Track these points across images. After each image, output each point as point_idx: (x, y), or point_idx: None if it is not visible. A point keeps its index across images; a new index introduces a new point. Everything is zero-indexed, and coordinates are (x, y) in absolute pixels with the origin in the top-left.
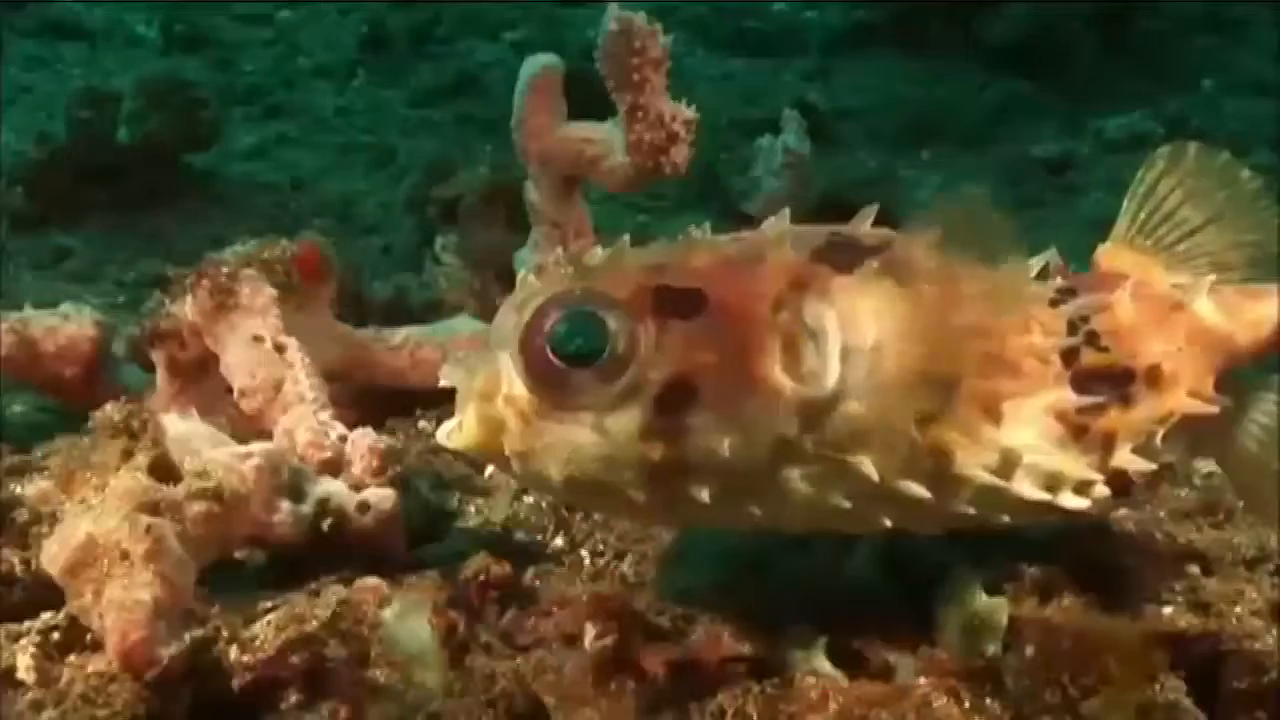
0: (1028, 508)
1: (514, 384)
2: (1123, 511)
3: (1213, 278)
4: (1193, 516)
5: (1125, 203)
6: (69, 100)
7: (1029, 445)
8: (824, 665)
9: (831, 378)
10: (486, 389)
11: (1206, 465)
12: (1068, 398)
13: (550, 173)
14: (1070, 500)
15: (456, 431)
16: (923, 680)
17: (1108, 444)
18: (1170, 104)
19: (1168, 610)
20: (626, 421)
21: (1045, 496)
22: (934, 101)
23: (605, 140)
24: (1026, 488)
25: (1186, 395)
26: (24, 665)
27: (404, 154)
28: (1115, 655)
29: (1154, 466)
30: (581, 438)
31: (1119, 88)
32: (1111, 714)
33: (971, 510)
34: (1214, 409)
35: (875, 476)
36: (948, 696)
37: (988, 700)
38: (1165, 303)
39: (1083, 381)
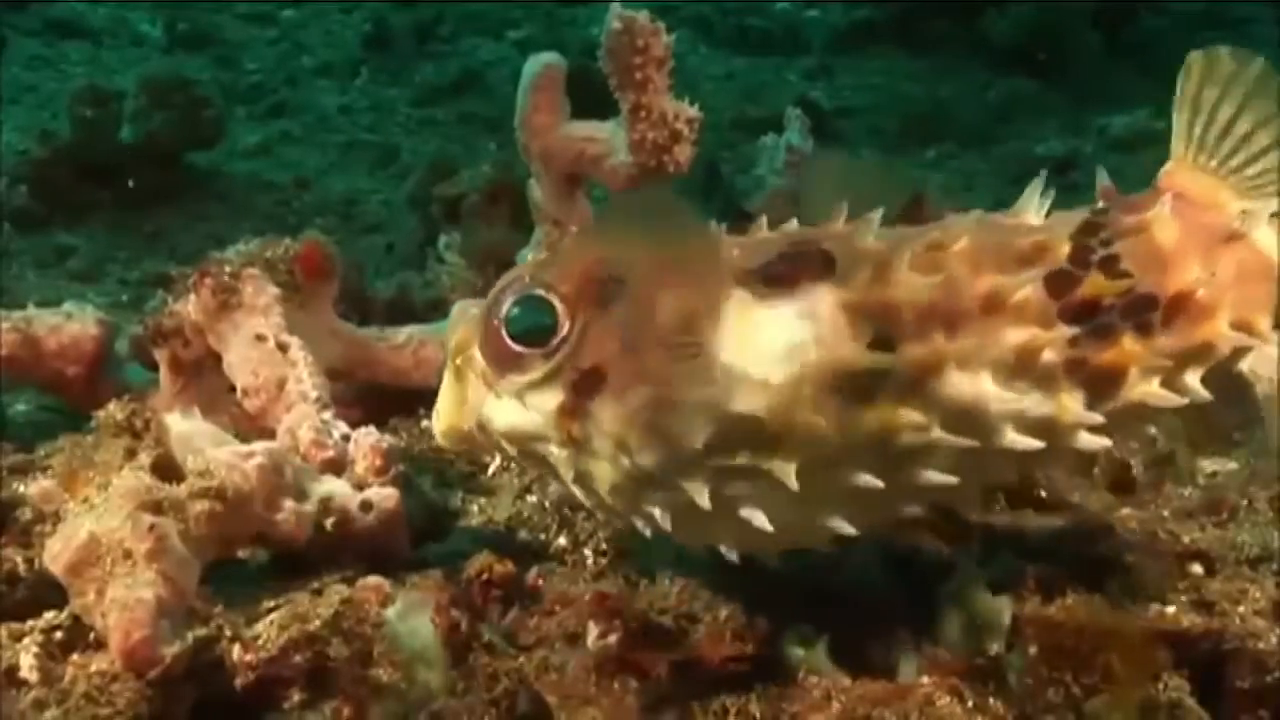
0: (1026, 460)
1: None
2: (1126, 510)
3: (1275, 204)
4: (1196, 515)
5: (1174, 115)
6: (72, 99)
7: (994, 395)
8: (826, 664)
9: (730, 378)
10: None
11: (1210, 464)
12: (1043, 333)
13: (553, 171)
14: (1085, 441)
15: (436, 418)
16: (925, 679)
17: (1116, 377)
18: (1174, 102)
19: (1171, 609)
20: (549, 397)
21: (1037, 444)
22: (937, 100)
23: (608, 139)
24: (1011, 438)
25: (1229, 328)
26: (27, 664)
27: (407, 152)
28: (1118, 654)
29: (1182, 401)
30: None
31: (1122, 86)
32: (1114, 713)
33: (953, 480)
34: (1258, 344)
35: (794, 484)
36: (950, 695)
37: (991, 699)
38: (1219, 228)
39: (1079, 311)
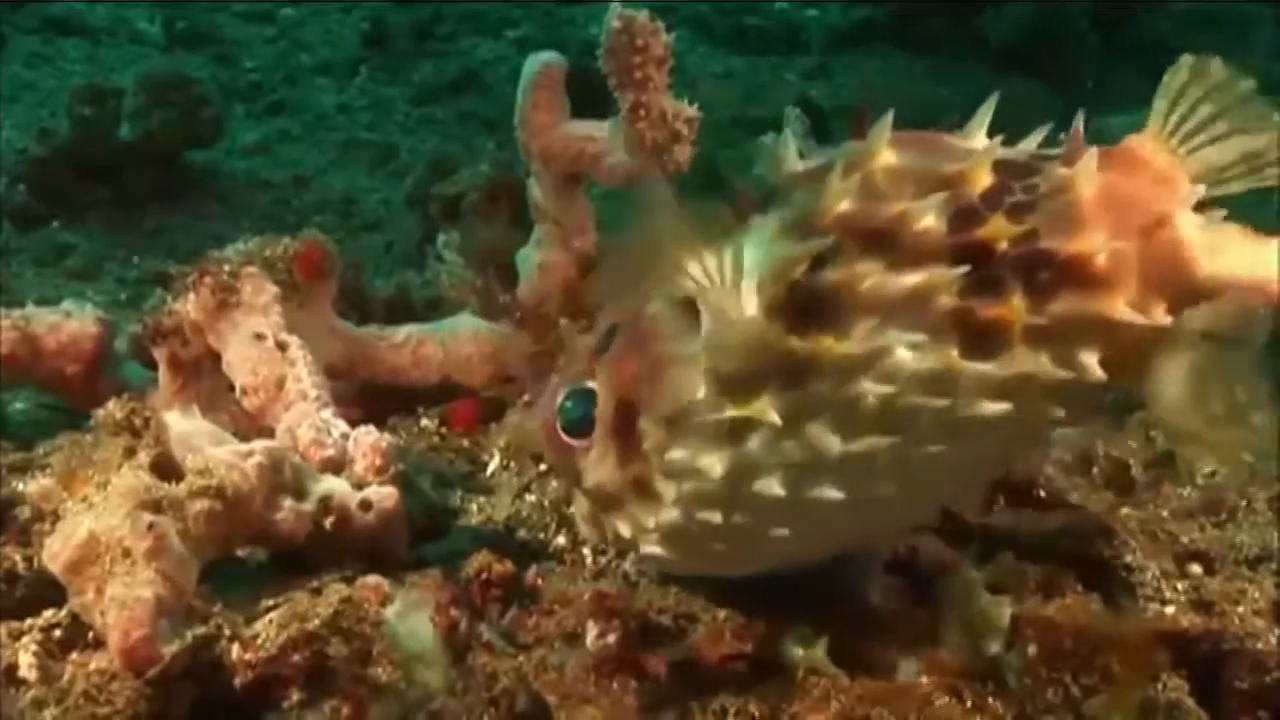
0: (951, 423)
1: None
2: (1125, 510)
3: (1202, 188)
4: (1195, 516)
5: (1155, 100)
6: (71, 97)
7: (894, 339)
8: (825, 664)
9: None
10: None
11: (1209, 464)
12: (940, 272)
13: (552, 170)
14: (979, 407)
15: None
16: (925, 679)
17: (1001, 336)
18: (1158, 88)
19: (1170, 609)
20: (609, 465)
21: (941, 403)
22: (936, 100)
23: (607, 138)
24: (918, 398)
25: (1124, 304)
26: (26, 663)
27: (406, 151)
28: (1117, 654)
29: (1066, 375)
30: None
31: (1121, 86)
32: (1113, 713)
33: (885, 439)
34: (1150, 322)
35: (776, 419)
36: (950, 695)
37: (990, 699)
38: (1148, 200)
39: (969, 252)
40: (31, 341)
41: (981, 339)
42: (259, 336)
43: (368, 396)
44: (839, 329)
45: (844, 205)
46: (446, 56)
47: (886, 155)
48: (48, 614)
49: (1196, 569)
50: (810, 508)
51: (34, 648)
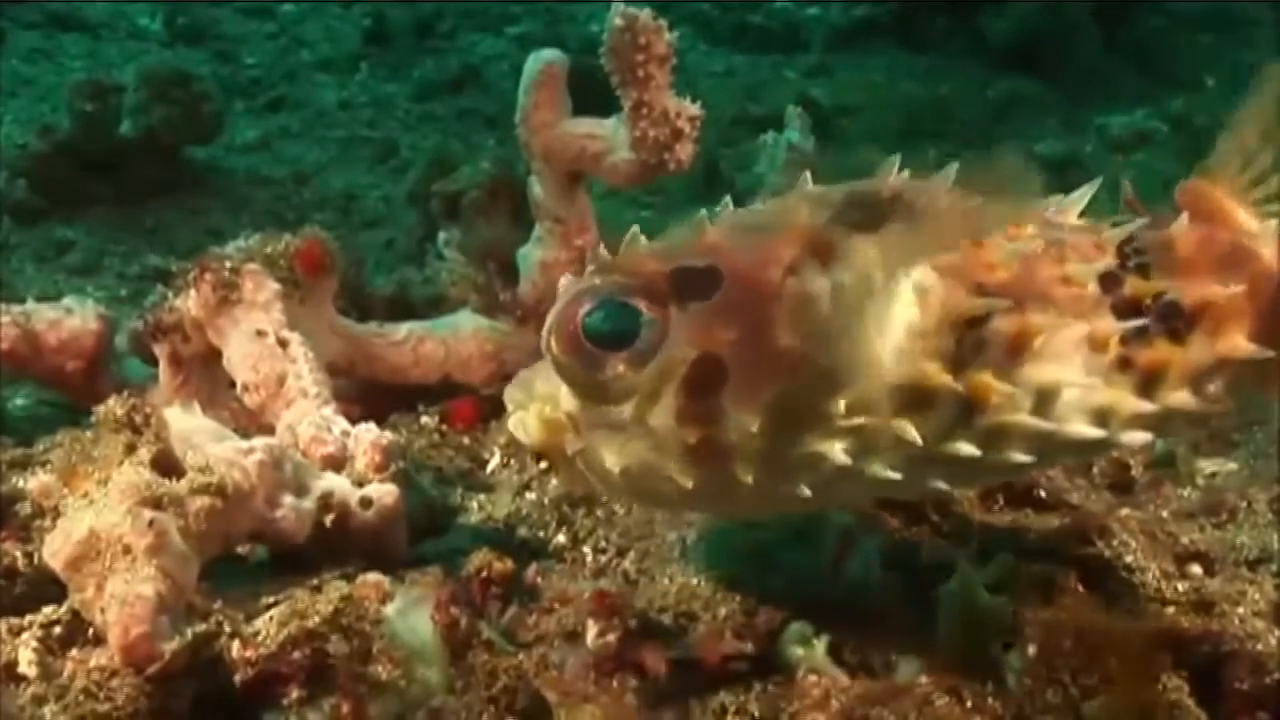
0: (1083, 447)
1: (565, 397)
2: (1125, 510)
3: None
4: (1195, 517)
5: (1222, 136)
6: (71, 92)
7: (1069, 380)
8: (825, 663)
9: (850, 340)
10: (546, 395)
11: (1210, 465)
12: (1108, 325)
13: (553, 168)
14: (1128, 436)
15: (521, 429)
16: (924, 679)
17: (1155, 379)
18: (1173, 102)
19: (1170, 610)
20: (662, 408)
21: (1100, 434)
22: (936, 99)
23: (609, 136)
24: (1078, 427)
25: (1243, 340)
26: (26, 659)
27: (406, 148)
28: (1117, 655)
29: (1217, 408)
30: (625, 431)
31: (1122, 86)
32: (1113, 714)
33: (1026, 458)
34: (1271, 353)
35: (918, 440)
36: (949, 695)
37: (989, 699)
38: (1233, 245)
39: (1124, 311)
40: (32, 338)
41: (1143, 380)
42: (260, 333)
43: (368, 394)
44: (999, 369)
45: (1010, 268)
46: (447, 53)
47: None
48: (48, 610)
49: (1196, 570)
50: (862, 481)
51: (34, 644)
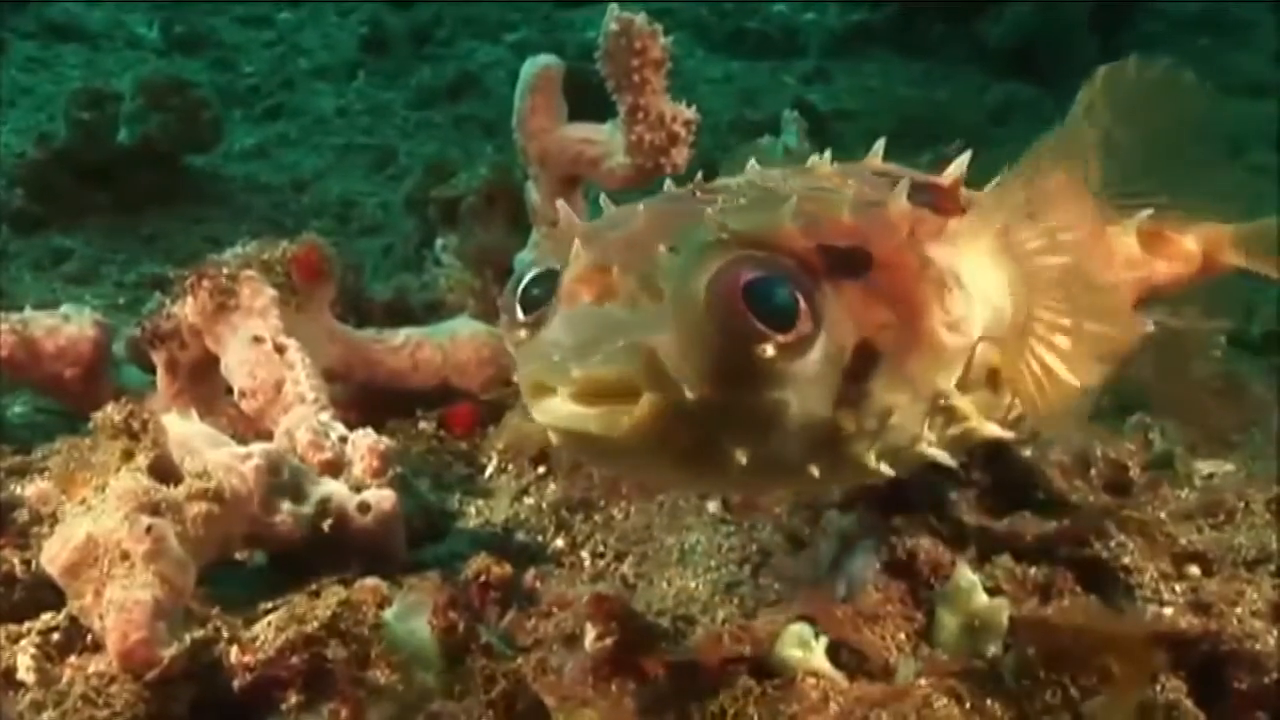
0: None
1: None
2: (1123, 511)
3: (1143, 215)
4: (1193, 517)
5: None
6: (69, 101)
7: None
8: (824, 666)
9: (978, 325)
10: (650, 366)
11: (1208, 466)
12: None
13: (550, 173)
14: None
15: (560, 415)
16: (923, 681)
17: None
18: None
19: (1168, 611)
20: (819, 394)
21: None
22: (934, 103)
23: (605, 140)
24: None
25: None
26: (24, 665)
27: (404, 155)
28: (1116, 655)
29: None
30: (766, 417)
31: None
32: (1112, 714)
33: None
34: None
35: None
36: (948, 697)
37: (988, 701)
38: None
39: None
40: (30, 345)
41: None
42: (257, 339)
43: (366, 399)
44: None
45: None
46: (444, 60)
47: None
48: (46, 617)
49: (1195, 570)
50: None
51: (32, 650)
